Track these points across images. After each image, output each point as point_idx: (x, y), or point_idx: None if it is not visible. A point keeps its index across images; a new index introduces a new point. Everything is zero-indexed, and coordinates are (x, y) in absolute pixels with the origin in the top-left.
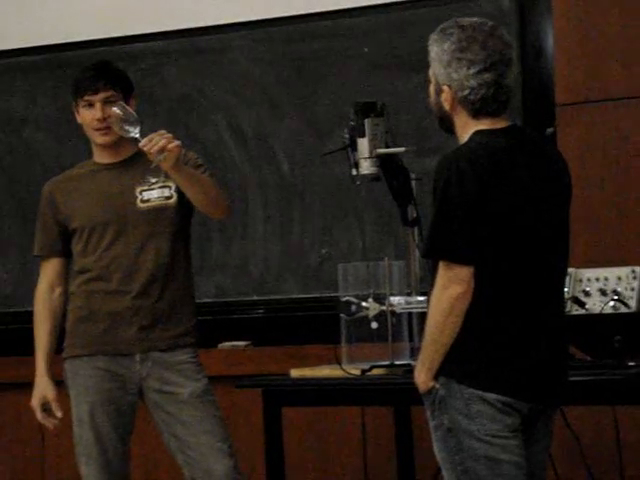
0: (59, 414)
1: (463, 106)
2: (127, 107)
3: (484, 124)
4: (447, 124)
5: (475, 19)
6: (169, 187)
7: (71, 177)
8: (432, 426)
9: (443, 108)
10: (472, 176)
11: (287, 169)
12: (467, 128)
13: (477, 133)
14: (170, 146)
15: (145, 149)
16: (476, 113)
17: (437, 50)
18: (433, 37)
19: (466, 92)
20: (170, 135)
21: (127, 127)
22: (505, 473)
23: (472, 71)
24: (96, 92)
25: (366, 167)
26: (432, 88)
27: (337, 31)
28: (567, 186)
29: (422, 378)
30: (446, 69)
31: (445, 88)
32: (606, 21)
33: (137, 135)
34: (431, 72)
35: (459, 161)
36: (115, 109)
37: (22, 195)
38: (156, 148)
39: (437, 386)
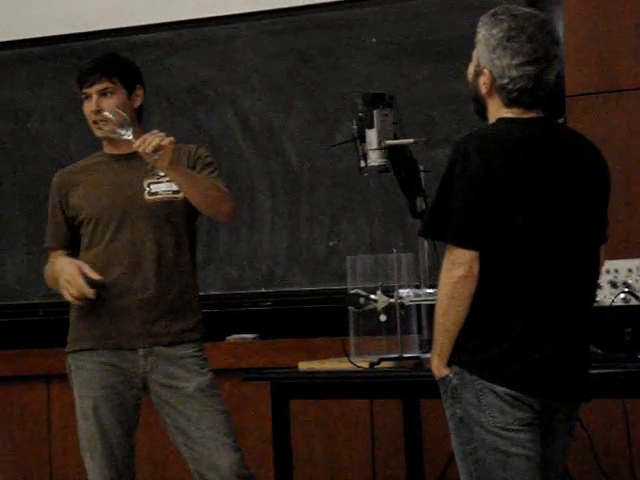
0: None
1: (499, 93)
2: (118, 110)
3: (514, 113)
4: (480, 106)
5: (529, 9)
6: None
7: (80, 168)
8: (447, 415)
9: (479, 90)
10: (478, 160)
11: (295, 161)
12: (497, 114)
13: (500, 120)
14: (164, 142)
15: (140, 150)
16: (510, 102)
17: (485, 33)
18: (483, 19)
19: (505, 81)
20: (163, 133)
21: (119, 130)
22: (515, 466)
23: (515, 62)
24: (91, 84)
25: (374, 158)
26: (472, 68)
27: (345, 22)
28: (597, 178)
29: (435, 364)
30: (490, 54)
31: (485, 71)
32: (616, 11)
33: (130, 137)
34: (475, 53)
35: (468, 144)
36: (106, 113)
37: (28, 186)
38: (150, 147)
39: (450, 375)
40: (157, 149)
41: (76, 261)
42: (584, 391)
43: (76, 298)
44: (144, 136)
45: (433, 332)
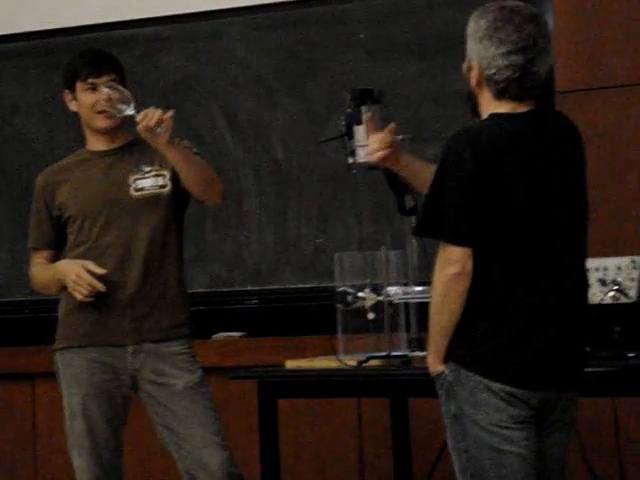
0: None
1: (488, 85)
2: (118, 86)
3: (505, 107)
4: (473, 104)
5: (519, 3)
6: (163, 176)
7: (64, 166)
8: (443, 411)
9: (471, 85)
10: (471, 157)
11: (282, 157)
12: (489, 109)
13: (493, 116)
14: (165, 116)
15: (143, 124)
16: (499, 94)
17: (473, 26)
18: (473, 15)
19: (492, 71)
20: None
21: (120, 106)
22: (508, 464)
23: (500, 51)
24: (100, 75)
25: (363, 155)
26: (464, 65)
27: (333, 17)
28: (583, 169)
29: (430, 360)
30: (477, 45)
31: (474, 64)
32: (606, 7)
33: (132, 112)
34: (467, 49)
35: (459, 141)
36: (106, 89)
37: (13, 183)
38: (154, 121)
39: (446, 371)
40: (159, 122)
41: (78, 261)
42: (578, 381)
43: (87, 296)
44: (145, 111)
45: (428, 329)
